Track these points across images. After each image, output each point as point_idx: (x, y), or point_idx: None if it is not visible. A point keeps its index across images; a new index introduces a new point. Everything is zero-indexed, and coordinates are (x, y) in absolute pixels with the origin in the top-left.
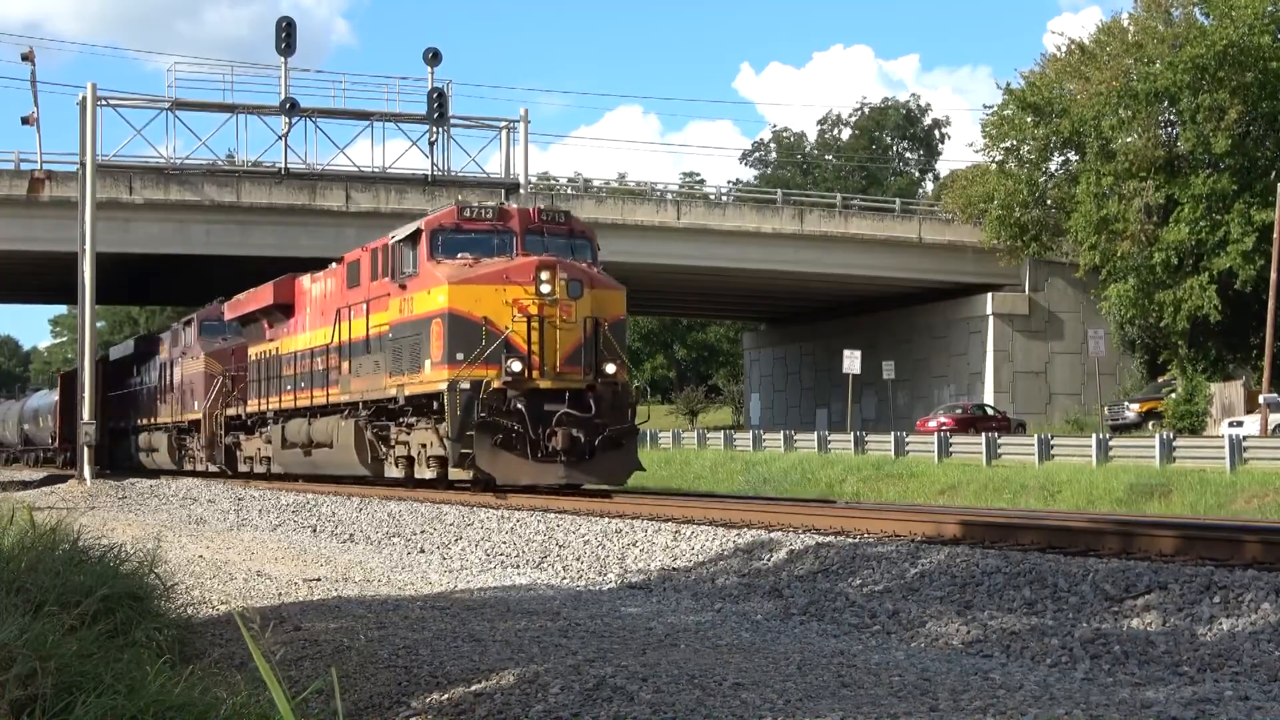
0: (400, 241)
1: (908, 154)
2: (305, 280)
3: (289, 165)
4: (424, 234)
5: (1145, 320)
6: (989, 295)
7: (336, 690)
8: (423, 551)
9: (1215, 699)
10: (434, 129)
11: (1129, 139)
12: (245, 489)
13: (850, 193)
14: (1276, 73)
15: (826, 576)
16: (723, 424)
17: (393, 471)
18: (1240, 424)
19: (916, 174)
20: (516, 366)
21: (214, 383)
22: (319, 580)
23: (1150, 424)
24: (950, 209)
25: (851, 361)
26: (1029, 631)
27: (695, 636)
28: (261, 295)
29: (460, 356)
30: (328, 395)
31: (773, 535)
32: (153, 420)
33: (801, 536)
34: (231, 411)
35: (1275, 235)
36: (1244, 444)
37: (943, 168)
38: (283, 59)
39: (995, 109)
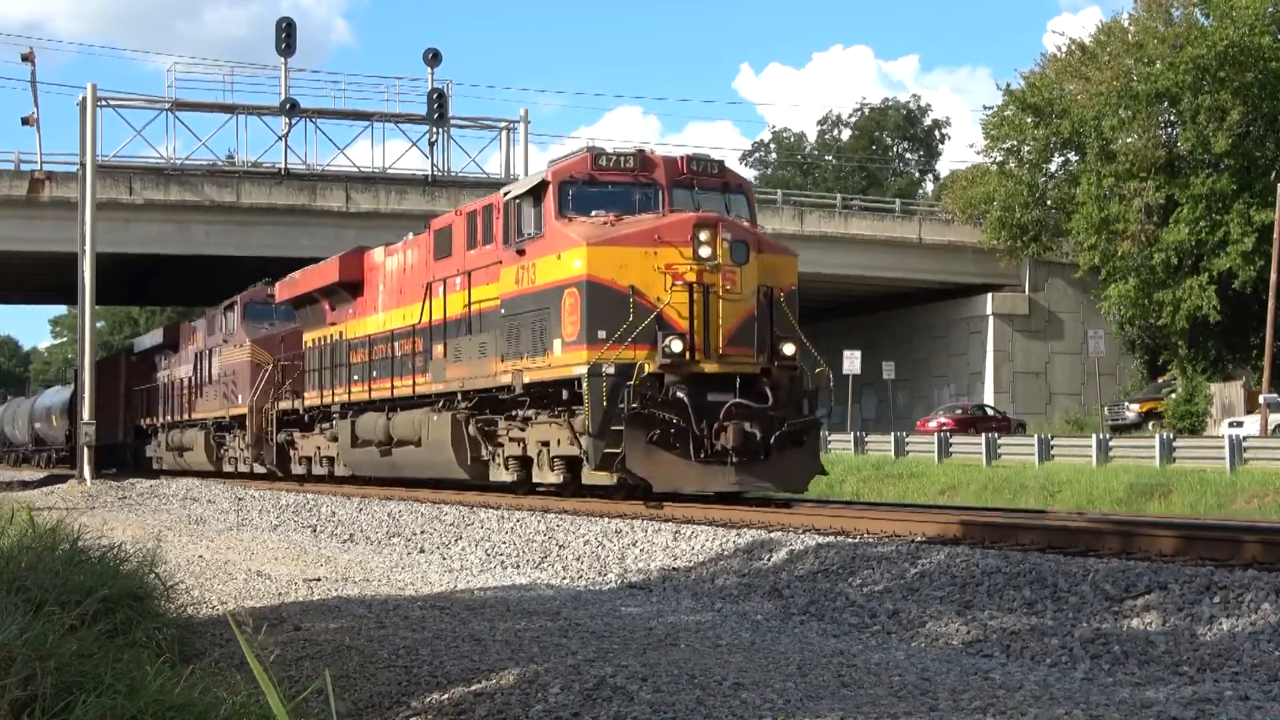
0: (519, 197)
1: (908, 154)
2: (378, 253)
3: (289, 166)
4: (551, 187)
5: (1145, 320)
6: (989, 295)
7: (331, 693)
8: (423, 551)
9: (1215, 699)
10: (434, 129)
11: (1129, 139)
12: (245, 489)
13: (850, 193)
14: (1277, 73)
15: (826, 576)
16: None
17: (499, 475)
18: (1240, 424)
19: (916, 174)
20: (677, 346)
21: (261, 373)
22: (319, 580)
23: (1150, 424)
24: (950, 209)
25: (851, 362)
26: (1029, 631)
27: (695, 636)
28: (322, 272)
29: (602, 334)
30: (413, 384)
31: (773, 535)
32: (185, 416)
33: (801, 536)
34: (285, 405)
35: (1275, 235)
36: (1244, 444)
37: (943, 168)
38: (283, 59)
39: (995, 109)
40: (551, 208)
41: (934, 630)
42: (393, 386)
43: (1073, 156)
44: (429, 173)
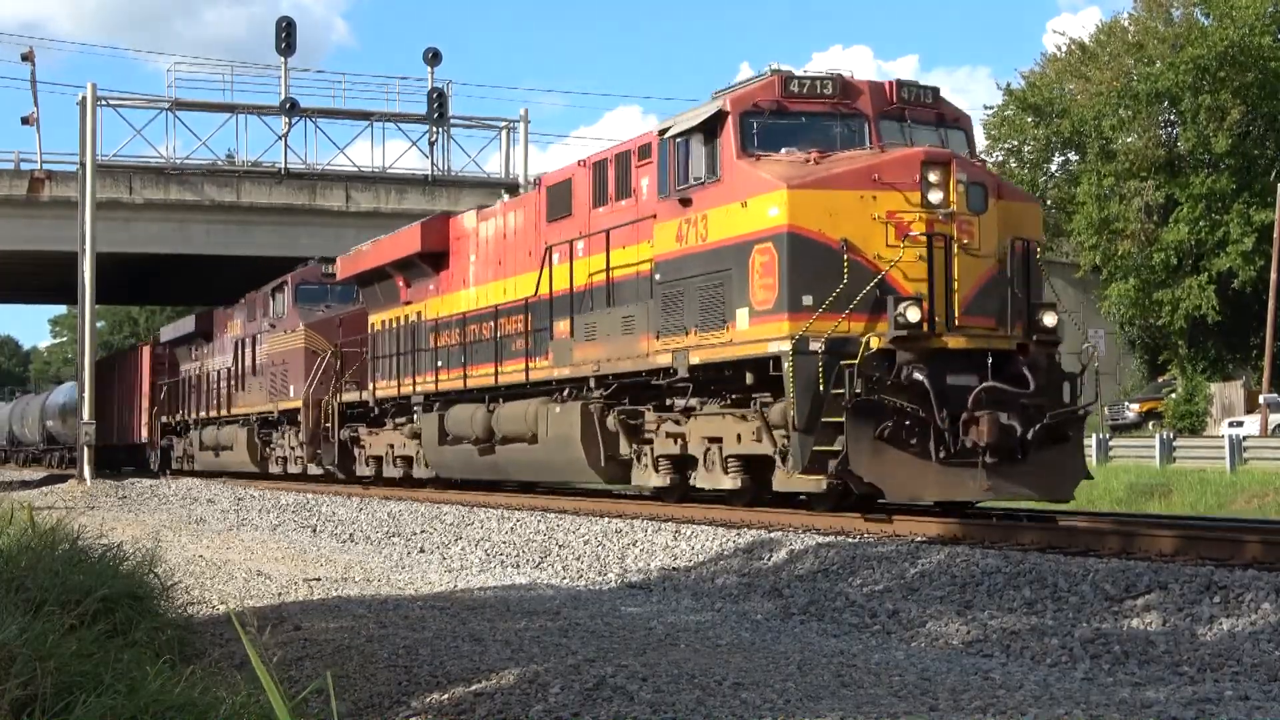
0: (683, 134)
1: None
2: (468, 218)
3: (289, 165)
4: (730, 118)
5: (1145, 320)
6: None
7: (332, 694)
8: (423, 551)
9: (1215, 699)
10: (434, 129)
11: (1129, 139)
12: (246, 489)
13: None
14: (1277, 73)
15: (826, 576)
16: None
17: (647, 477)
18: (1240, 424)
19: None
20: (914, 315)
21: (317, 361)
22: (319, 580)
23: (1150, 424)
24: None
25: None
26: (1029, 631)
27: (695, 636)
28: (398, 243)
29: (808, 301)
30: (526, 369)
31: (773, 535)
32: (223, 412)
33: (802, 536)
34: (349, 397)
35: (1275, 235)
36: (1244, 444)
37: None
38: (282, 59)
39: (995, 109)
40: (732, 144)
41: (934, 630)
42: (497, 373)
43: (1073, 156)
44: (429, 173)
